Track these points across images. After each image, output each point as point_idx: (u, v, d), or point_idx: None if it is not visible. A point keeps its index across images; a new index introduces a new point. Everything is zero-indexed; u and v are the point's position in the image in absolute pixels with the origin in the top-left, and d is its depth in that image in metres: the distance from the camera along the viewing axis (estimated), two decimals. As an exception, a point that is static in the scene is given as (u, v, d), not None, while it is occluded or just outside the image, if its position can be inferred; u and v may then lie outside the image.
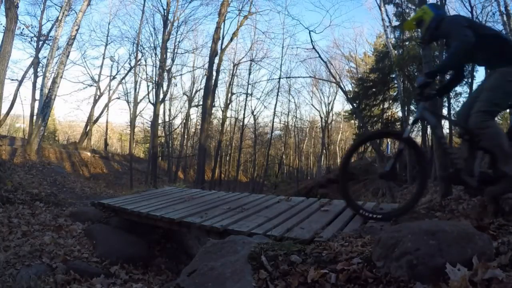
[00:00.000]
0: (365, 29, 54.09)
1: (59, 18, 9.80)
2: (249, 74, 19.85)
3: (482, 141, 2.14)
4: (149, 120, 17.82)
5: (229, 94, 19.34)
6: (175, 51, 15.28)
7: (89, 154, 13.61)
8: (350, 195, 2.49)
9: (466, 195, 2.45)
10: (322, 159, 25.27)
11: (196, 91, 20.82)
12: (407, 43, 12.53)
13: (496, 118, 2.20)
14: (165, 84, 14.80)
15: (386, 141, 18.72)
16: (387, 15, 13.28)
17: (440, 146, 2.48)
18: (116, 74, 17.50)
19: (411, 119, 2.41)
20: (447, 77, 2.37)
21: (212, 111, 16.31)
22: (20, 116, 18.04)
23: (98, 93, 17.03)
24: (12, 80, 13.47)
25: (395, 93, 14.45)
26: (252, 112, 21.91)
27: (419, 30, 2.45)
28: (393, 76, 13.50)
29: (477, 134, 2.13)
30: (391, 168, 2.36)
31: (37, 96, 11.57)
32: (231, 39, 14.88)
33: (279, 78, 19.03)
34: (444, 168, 2.41)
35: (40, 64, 12.77)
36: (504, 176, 2.04)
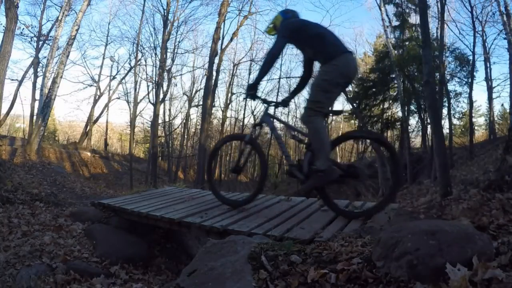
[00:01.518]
0: (365, 29, 54.16)
1: (59, 18, 9.80)
2: (249, 74, 19.85)
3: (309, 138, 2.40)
4: (149, 120, 17.87)
5: (229, 94, 19.36)
6: (175, 51, 15.31)
7: (89, 154, 13.62)
8: (216, 188, 3.22)
9: (466, 195, 2.45)
10: (322, 159, 25.22)
11: (196, 91, 20.85)
12: (407, 43, 12.53)
13: (321, 115, 2.34)
14: (165, 84, 14.82)
15: (386, 141, 18.67)
16: (387, 15, 13.29)
17: (278, 145, 2.91)
18: (116, 74, 17.54)
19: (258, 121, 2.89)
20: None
21: (212, 111, 16.32)
22: (20, 116, 18.06)
23: (98, 93, 17.06)
24: (12, 80, 13.51)
25: (395, 93, 14.45)
26: (252, 112, 21.90)
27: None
28: (393, 76, 13.50)
29: (306, 129, 2.38)
30: (236, 163, 2.97)
31: (37, 96, 11.58)
32: (231, 39, 14.88)
33: (279, 78, 19.05)
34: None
35: (40, 64, 12.79)
36: (315, 172, 2.26)
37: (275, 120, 2.85)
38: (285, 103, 2.93)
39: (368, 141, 2.84)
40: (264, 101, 2.82)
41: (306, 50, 2.53)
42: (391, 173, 2.49)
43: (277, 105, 2.93)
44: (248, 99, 2.58)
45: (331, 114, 2.59)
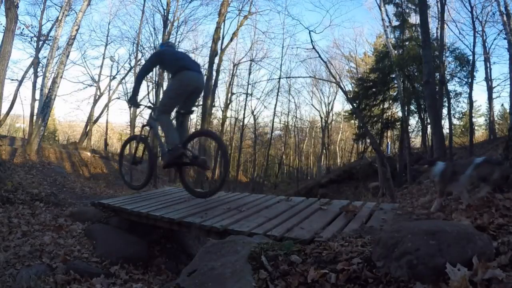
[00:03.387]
0: (365, 29, 54.15)
1: (59, 18, 9.79)
2: (249, 74, 19.89)
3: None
4: (149, 120, 17.81)
5: (229, 94, 19.35)
6: (175, 51, 15.29)
7: (89, 154, 13.59)
8: (124, 176, 4.15)
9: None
10: (322, 159, 25.27)
11: (196, 91, 20.79)
12: (407, 43, 12.53)
13: (169, 113, 3.34)
14: (165, 84, 14.82)
15: (386, 141, 18.74)
16: (387, 15, 13.30)
17: (157, 141, 3.80)
18: (116, 74, 17.48)
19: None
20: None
21: (212, 111, 16.31)
22: (20, 116, 18.06)
23: (98, 93, 17.02)
24: (12, 80, 13.49)
25: (395, 93, 14.46)
26: (252, 112, 21.93)
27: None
28: (393, 76, 13.50)
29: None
30: (133, 158, 3.92)
31: (37, 96, 11.58)
32: (231, 39, 14.90)
33: (279, 78, 19.08)
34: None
35: (40, 64, 12.78)
36: (167, 151, 3.20)
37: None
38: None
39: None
40: (149, 107, 3.62)
41: (166, 69, 3.59)
42: (223, 163, 3.61)
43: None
44: (133, 107, 3.80)
45: (186, 113, 3.51)
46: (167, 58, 3.27)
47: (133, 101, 3.52)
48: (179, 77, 3.13)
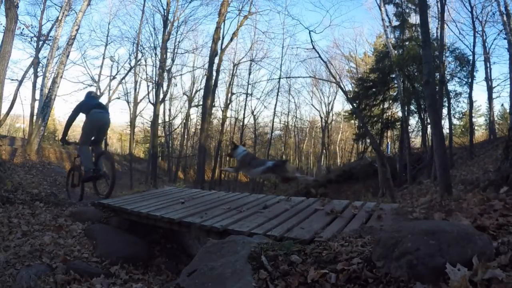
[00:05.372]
0: (365, 29, 54.22)
1: (59, 18, 9.80)
2: (249, 74, 19.92)
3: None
4: (149, 120, 17.84)
5: (229, 94, 19.35)
6: (175, 51, 15.32)
7: (89, 154, 13.58)
8: (70, 193, 4.81)
9: (467, 195, 2.45)
10: (322, 159, 25.28)
11: (196, 91, 20.88)
12: (407, 43, 12.53)
13: (87, 144, 4.33)
14: (165, 84, 14.84)
15: (386, 141, 18.75)
16: (387, 15, 13.30)
17: (81, 162, 4.45)
18: (116, 74, 17.47)
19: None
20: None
21: (212, 111, 16.32)
22: (20, 116, 18.07)
23: (98, 93, 17.00)
24: (12, 80, 13.45)
25: (395, 93, 14.46)
26: (252, 112, 21.95)
27: None
28: (393, 76, 13.51)
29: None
30: (72, 182, 4.76)
31: (37, 96, 11.58)
32: (231, 39, 14.89)
33: (279, 78, 19.09)
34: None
35: (40, 64, 12.76)
36: (83, 172, 4.28)
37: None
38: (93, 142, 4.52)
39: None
40: (75, 143, 4.57)
41: (84, 113, 4.30)
42: (111, 174, 4.16)
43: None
44: (64, 145, 4.97)
45: (97, 142, 4.47)
46: (84, 106, 4.36)
47: (63, 141, 4.52)
48: (89, 116, 4.17)
